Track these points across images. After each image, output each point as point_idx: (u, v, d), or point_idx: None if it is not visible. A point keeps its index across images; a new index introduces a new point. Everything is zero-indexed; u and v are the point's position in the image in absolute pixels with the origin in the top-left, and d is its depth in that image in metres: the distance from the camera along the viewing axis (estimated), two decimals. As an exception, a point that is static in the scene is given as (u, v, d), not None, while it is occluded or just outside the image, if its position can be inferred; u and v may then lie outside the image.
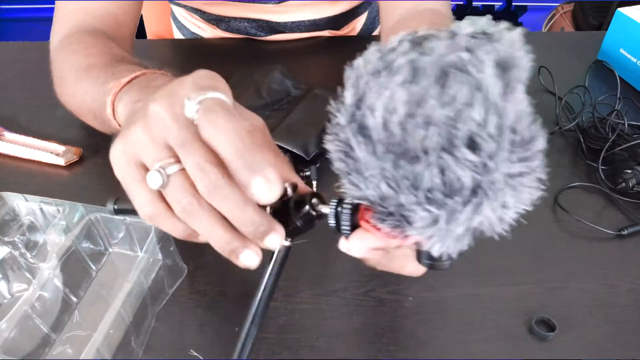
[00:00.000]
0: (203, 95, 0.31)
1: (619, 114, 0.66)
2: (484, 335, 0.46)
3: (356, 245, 0.33)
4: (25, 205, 0.51)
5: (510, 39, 0.27)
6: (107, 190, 0.58)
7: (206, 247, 0.51)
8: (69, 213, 0.49)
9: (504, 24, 0.28)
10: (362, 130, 0.29)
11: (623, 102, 0.69)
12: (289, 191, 0.33)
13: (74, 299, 0.47)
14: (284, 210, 0.33)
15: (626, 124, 0.64)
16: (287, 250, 0.34)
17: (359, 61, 0.29)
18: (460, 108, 0.26)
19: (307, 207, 0.33)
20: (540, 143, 0.28)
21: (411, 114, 0.26)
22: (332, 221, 0.33)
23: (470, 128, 0.26)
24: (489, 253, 0.53)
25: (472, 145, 0.26)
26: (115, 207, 0.41)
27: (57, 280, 0.45)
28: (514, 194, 0.28)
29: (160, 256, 0.46)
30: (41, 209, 0.50)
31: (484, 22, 0.28)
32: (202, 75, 0.34)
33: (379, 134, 0.28)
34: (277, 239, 0.31)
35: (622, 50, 0.79)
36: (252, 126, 0.34)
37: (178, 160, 0.31)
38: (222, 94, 0.32)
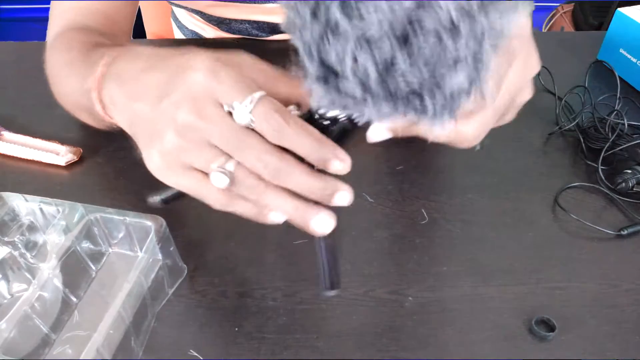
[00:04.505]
0: (250, 101, 0.32)
1: (619, 114, 0.66)
2: (484, 335, 0.46)
3: (374, 130, 0.35)
4: (25, 205, 0.50)
5: None
6: (107, 190, 0.59)
7: (206, 247, 0.51)
8: (69, 213, 0.49)
9: None
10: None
11: (623, 102, 0.69)
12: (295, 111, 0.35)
13: (74, 299, 0.47)
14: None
15: (626, 124, 0.64)
16: None
17: None
18: None
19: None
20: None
21: None
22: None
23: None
24: (489, 253, 0.53)
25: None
26: (163, 197, 0.40)
27: (57, 280, 0.45)
28: None
29: (160, 256, 0.46)
30: (41, 209, 0.50)
31: None
32: (230, 68, 0.35)
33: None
34: (345, 196, 0.33)
35: (622, 50, 0.79)
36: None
37: (229, 155, 0.33)
38: (262, 92, 0.33)
